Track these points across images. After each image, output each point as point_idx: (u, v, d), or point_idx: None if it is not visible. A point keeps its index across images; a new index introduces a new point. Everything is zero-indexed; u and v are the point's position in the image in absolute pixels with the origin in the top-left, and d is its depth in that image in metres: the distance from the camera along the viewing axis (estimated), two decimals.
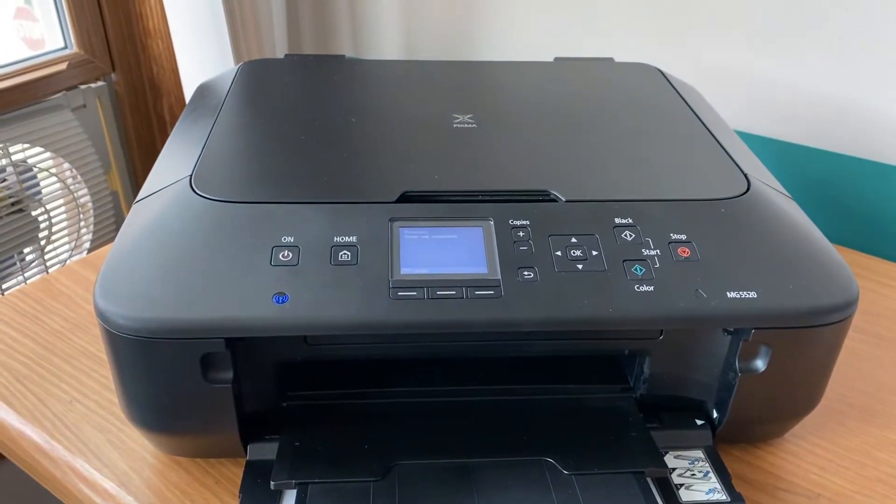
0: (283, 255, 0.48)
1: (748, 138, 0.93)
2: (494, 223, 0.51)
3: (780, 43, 0.89)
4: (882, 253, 0.84)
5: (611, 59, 0.82)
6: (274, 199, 0.52)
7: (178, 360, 0.46)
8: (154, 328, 0.45)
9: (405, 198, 0.53)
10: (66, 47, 1.22)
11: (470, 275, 0.48)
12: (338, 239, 0.49)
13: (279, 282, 0.47)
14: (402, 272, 0.48)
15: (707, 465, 0.52)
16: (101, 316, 0.46)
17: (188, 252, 0.48)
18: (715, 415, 0.54)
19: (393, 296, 0.47)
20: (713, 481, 0.51)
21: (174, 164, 0.58)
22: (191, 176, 0.54)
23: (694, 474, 0.51)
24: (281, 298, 0.46)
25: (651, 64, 0.80)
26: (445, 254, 0.49)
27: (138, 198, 0.56)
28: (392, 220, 0.51)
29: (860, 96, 0.86)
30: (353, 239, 0.49)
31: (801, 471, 0.55)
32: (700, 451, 0.53)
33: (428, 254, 0.49)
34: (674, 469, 0.52)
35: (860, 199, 0.88)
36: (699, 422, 0.55)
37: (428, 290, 0.47)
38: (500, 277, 0.48)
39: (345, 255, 0.48)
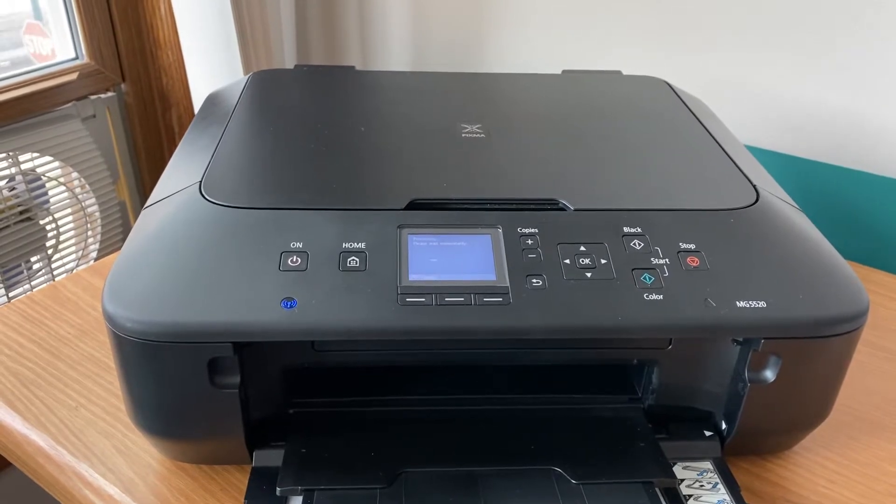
0: (291, 261, 0.48)
1: (754, 152, 0.93)
2: (503, 231, 0.51)
3: (788, 57, 0.90)
4: (889, 267, 0.83)
5: (619, 72, 0.82)
6: (283, 205, 0.52)
7: (185, 364, 0.46)
8: (162, 331, 0.45)
9: (414, 205, 0.53)
10: (76, 58, 1.23)
11: (478, 282, 0.48)
12: (346, 245, 0.49)
13: (287, 287, 0.47)
14: (410, 278, 0.48)
15: (716, 476, 0.52)
16: (109, 319, 0.46)
17: (196, 256, 0.48)
18: (724, 426, 0.54)
19: (401, 302, 0.47)
20: (722, 493, 0.50)
21: (184, 171, 0.58)
22: (200, 182, 0.54)
23: (703, 485, 0.51)
24: (289, 303, 0.46)
25: (659, 77, 0.80)
26: (454, 261, 0.49)
27: (147, 203, 0.56)
28: (401, 227, 0.51)
29: (867, 110, 0.86)
30: (361, 245, 0.49)
31: (810, 483, 0.55)
32: (709, 463, 0.53)
33: (436, 260, 0.49)
34: (682, 480, 0.51)
35: (867, 213, 0.88)
36: (708, 433, 0.54)
37: (436, 297, 0.47)
38: (508, 285, 0.48)
39: (353, 262, 0.48)
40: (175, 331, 0.45)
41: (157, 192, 0.57)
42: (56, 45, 1.24)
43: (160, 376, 0.47)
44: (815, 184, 0.90)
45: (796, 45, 0.89)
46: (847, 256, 0.53)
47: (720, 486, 0.51)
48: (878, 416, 0.61)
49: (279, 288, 0.46)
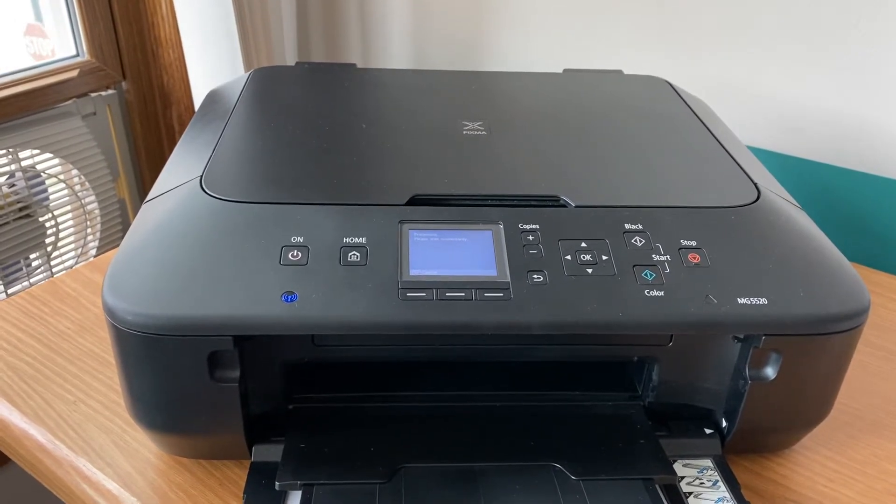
0: (292, 255, 0.48)
1: (755, 152, 0.92)
2: (504, 227, 0.51)
3: (789, 58, 0.90)
4: (890, 268, 0.83)
5: (620, 72, 0.82)
6: (284, 199, 0.52)
7: (185, 357, 0.46)
8: (162, 324, 0.45)
9: (415, 201, 0.53)
10: (77, 55, 1.23)
11: (479, 277, 0.48)
12: (347, 240, 0.49)
13: (288, 281, 0.47)
14: (411, 273, 0.48)
15: (716, 473, 0.52)
16: (109, 312, 0.46)
17: (197, 250, 0.48)
18: (724, 424, 0.53)
19: (402, 296, 0.46)
20: (722, 490, 0.50)
21: (184, 165, 0.58)
22: (201, 176, 0.54)
23: (703, 483, 0.51)
24: (290, 297, 0.46)
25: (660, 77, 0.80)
26: (455, 256, 0.49)
27: (148, 197, 0.56)
28: (402, 222, 0.51)
29: (868, 111, 0.86)
30: (362, 240, 0.49)
31: (810, 482, 0.55)
32: (709, 460, 0.53)
33: (437, 256, 0.49)
34: (682, 477, 0.51)
35: (867, 214, 0.88)
36: (708, 430, 0.54)
37: (437, 292, 0.47)
38: (509, 280, 0.48)
39: (354, 256, 0.48)
40: (175, 324, 0.45)
41: (158, 187, 0.57)
42: (56, 46, 1.23)
43: (160, 370, 0.47)
44: (816, 184, 0.90)
45: (797, 47, 0.89)
46: (848, 257, 0.53)
47: (720, 483, 0.51)
48: (879, 415, 0.61)
49: (280, 282, 0.46)
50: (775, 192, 0.57)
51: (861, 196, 0.88)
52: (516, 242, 0.50)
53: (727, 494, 0.50)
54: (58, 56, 1.23)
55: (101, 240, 1.28)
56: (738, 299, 0.47)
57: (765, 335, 0.48)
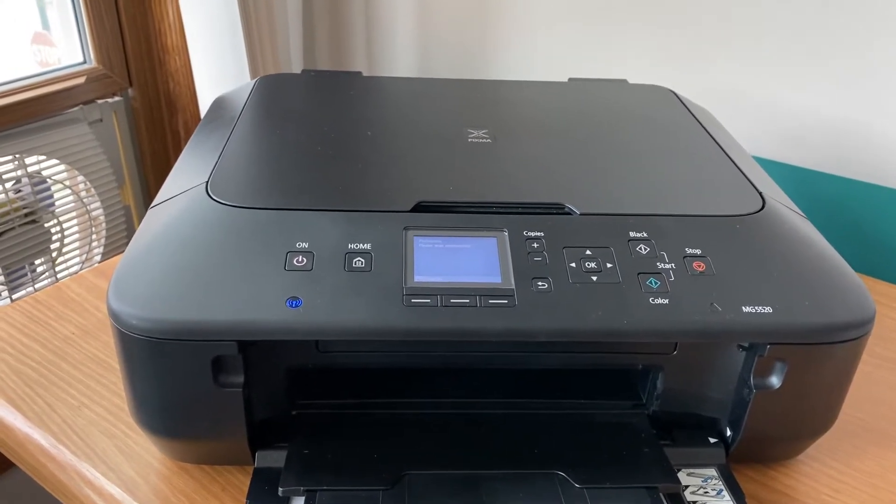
0: (297, 261, 0.48)
1: (759, 162, 0.93)
2: (509, 234, 0.51)
3: (793, 68, 0.90)
4: (894, 278, 0.83)
5: (624, 81, 0.83)
6: (289, 206, 0.52)
7: (189, 362, 0.46)
8: (167, 329, 0.45)
9: (420, 207, 0.53)
10: (84, 62, 1.24)
11: (484, 284, 0.48)
12: (352, 246, 0.49)
13: (293, 286, 0.47)
14: (415, 280, 0.48)
15: (720, 483, 0.51)
16: (114, 316, 0.46)
17: (202, 255, 0.48)
18: (729, 433, 0.53)
19: (406, 303, 0.46)
20: (727, 500, 0.50)
21: (190, 171, 0.58)
22: (207, 182, 0.55)
23: (707, 492, 0.51)
24: (294, 303, 0.46)
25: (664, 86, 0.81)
26: (459, 263, 0.49)
27: (154, 203, 0.56)
28: (406, 228, 0.51)
29: (872, 122, 0.86)
30: (367, 246, 0.49)
31: (814, 492, 0.54)
32: (713, 470, 0.53)
33: (442, 262, 0.49)
34: (686, 486, 0.51)
35: (871, 224, 0.88)
36: (712, 440, 0.54)
37: (441, 298, 0.47)
38: (513, 287, 0.48)
39: (359, 262, 0.48)
40: (180, 328, 0.45)
41: (164, 192, 0.57)
42: (63, 55, 1.24)
43: (164, 374, 0.47)
44: (821, 194, 0.90)
45: (802, 57, 0.89)
46: (852, 267, 0.53)
47: (725, 493, 0.51)
48: (884, 425, 0.61)
49: (285, 287, 0.46)
50: (780, 202, 0.57)
51: (865, 206, 0.88)
52: (521, 249, 0.50)
53: None
54: (66, 54, 1.24)
55: (105, 246, 1.29)
56: (743, 308, 0.47)
57: (769, 344, 0.48)
